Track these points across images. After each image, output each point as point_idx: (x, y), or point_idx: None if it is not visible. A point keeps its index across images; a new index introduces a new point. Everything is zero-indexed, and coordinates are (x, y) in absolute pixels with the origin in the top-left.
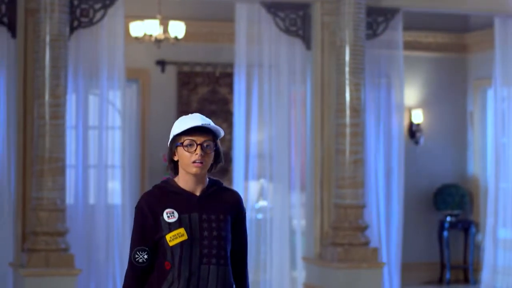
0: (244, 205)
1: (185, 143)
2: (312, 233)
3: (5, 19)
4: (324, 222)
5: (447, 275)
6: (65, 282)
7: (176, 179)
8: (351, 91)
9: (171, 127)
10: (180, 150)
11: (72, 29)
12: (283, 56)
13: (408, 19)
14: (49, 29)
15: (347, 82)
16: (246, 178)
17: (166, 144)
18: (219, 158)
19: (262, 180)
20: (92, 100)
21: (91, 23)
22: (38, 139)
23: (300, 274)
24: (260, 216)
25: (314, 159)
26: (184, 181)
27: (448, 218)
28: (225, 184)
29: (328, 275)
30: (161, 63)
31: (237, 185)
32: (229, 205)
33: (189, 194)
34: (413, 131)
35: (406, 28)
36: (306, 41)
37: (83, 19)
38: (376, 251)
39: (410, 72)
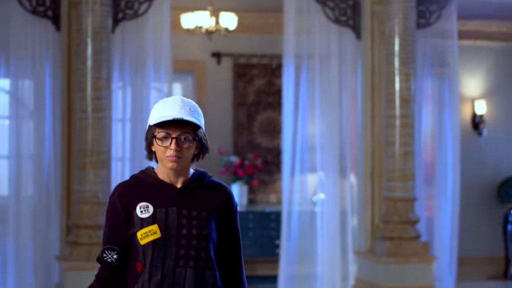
0: (236, 200)
1: (159, 136)
2: (363, 226)
3: (49, 12)
4: (375, 216)
5: None
6: None
7: (157, 170)
8: (400, 81)
9: (227, 120)
10: (155, 142)
11: (117, 22)
12: (333, 46)
13: (470, 8)
14: (91, 22)
15: (396, 72)
16: (293, 170)
17: (222, 136)
18: (204, 149)
19: (321, 173)
20: (144, 93)
21: (136, 15)
22: (80, 132)
23: (353, 269)
24: (317, 209)
25: (364, 151)
26: (163, 172)
27: None
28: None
29: (377, 270)
30: (217, 55)
31: (286, 178)
32: (216, 200)
33: (168, 186)
34: (476, 123)
35: (469, 17)
36: (356, 31)
37: (128, 11)
38: (426, 245)
39: (473, 62)
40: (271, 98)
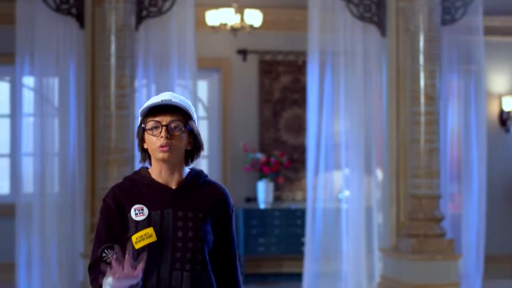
0: (232, 201)
1: (149, 125)
2: (388, 224)
3: (73, 10)
4: (400, 213)
5: None
6: None
7: (150, 170)
8: (425, 78)
9: (253, 117)
10: (146, 134)
11: (141, 19)
12: (358, 43)
13: (496, 4)
14: (114, 19)
15: (421, 69)
16: (317, 168)
17: (248, 134)
18: (197, 143)
19: (346, 170)
20: (168, 90)
21: (160, 12)
22: (104, 129)
23: (378, 266)
24: (344, 206)
25: (389, 149)
26: (157, 171)
27: None
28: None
29: (402, 267)
30: (243, 52)
31: (310, 175)
32: (212, 201)
33: (163, 187)
34: (503, 119)
35: (495, 12)
36: (381, 27)
37: (152, 9)
38: (452, 242)
39: (500, 58)
40: (297, 95)
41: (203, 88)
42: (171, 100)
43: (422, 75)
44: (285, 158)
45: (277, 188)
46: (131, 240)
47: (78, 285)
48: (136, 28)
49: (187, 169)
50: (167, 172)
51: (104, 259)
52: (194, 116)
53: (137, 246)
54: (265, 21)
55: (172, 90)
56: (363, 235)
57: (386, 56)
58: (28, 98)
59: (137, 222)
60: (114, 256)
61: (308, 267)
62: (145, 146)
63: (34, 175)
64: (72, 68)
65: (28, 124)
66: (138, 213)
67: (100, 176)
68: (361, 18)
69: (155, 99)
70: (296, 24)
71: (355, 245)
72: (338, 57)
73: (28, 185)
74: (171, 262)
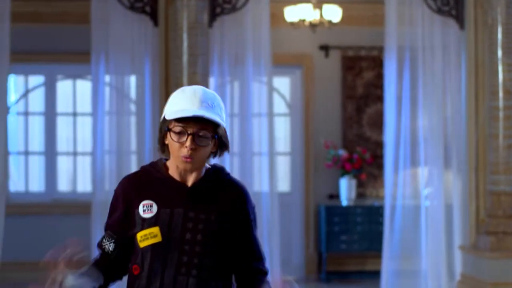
0: (253, 203)
1: (175, 130)
2: (468, 221)
3: (147, 8)
4: (479, 210)
5: None
6: None
7: (168, 163)
8: (504, 72)
9: (336, 113)
10: (169, 136)
11: (215, 16)
12: (436, 37)
13: None
14: (186, 17)
15: (499, 62)
16: (396, 164)
17: (330, 130)
18: (223, 146)
19: (426, 167)
20: (244, 88)
21: (234, 9)
22: None
23: (459, 264)
24: (426, 203)
25: (469, 144)
26: (174, 166)
27: None
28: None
29: (482, 265)
30: (325, 48)
31: (388, 172)
32: (229, 203)
33: (178, 184)
34: None
35: None
36: (460, 21)
37: (226, 6)
38: None
39: None
40: (380, 90)
41: (285, 84)
42: (203, 116)
43: (500, 68)
44: (367, 155)
45: (360, 184)
46: (137, 238)
47: None
48: (210, 25)
49: (207, 165)
50: (186, 172)
51: (103, 246)
52: (224, 116)
53: (141, 245)
54: (347, 16)
55: (247, 87)
56: (443, 232)
57: (465, 49)
58: (105, 97)
59: (143, 219)
60: (111, 245)
61: (387, 265)
62: (166, 141)
63: (110, 172)
64: (147, 66)
65: (106, 122)
66: (146, 209)
67: None
68: (439, 11)
69: (186, 104)
70: (379, 19)
71: (435, 242)
72: (416, 52)
73: (106, 183)
74: (176, 266)
